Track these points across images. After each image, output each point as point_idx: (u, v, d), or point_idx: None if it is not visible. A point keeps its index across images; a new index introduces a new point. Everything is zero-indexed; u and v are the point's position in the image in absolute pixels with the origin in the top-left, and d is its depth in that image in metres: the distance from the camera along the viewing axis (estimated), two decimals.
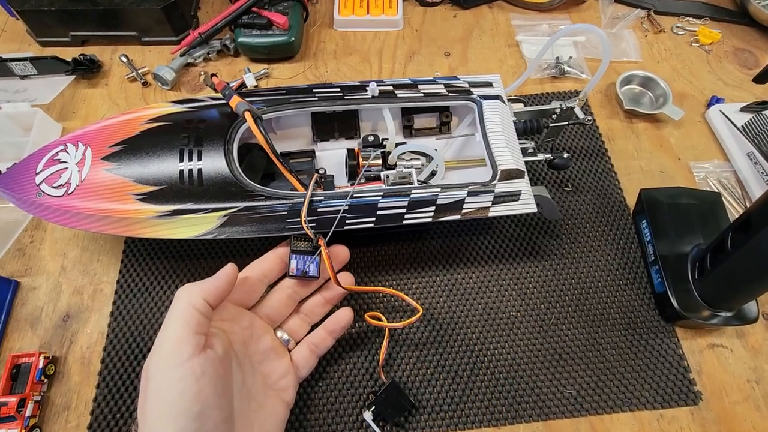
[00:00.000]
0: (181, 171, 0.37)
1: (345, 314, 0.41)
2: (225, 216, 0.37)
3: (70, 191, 0.37)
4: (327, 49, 0.63)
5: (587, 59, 0.61)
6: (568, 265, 0.47)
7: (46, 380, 0.41)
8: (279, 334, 0.39)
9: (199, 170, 0.37)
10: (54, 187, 0.37)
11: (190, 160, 0.38)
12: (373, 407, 0.39)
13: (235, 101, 0.38)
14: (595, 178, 0.52)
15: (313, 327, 0.41)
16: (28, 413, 0.39)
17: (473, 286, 0.46)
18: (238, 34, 0.58)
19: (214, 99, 0.42)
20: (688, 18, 0.65)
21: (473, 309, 0.45)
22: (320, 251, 0.36)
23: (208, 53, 0.60)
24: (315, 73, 0.61)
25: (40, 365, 0.41)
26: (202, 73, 0.60)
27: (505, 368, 0.42)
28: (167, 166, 0.37)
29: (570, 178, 0.52)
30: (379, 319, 0.41)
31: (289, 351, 0.39)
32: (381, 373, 0.41)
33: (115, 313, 0.45)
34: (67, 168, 0.38)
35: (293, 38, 0.59)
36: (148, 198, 0.37)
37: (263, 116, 0.40)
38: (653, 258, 0.46)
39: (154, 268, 0.47)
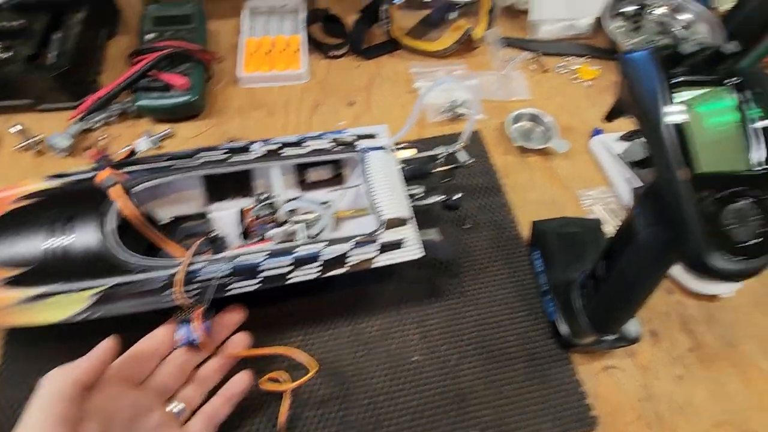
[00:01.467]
0: (49, 249, 0.36)
1: (242, 378, 0.40)
2: (96, 294, 0.36)
3: None
4: (232, 105, 0.64)
5: (484, 101, 0.65)
6: (468, 303, 0.49)
7: None
8: (171, 406, 0.37)
9: (66, 248, 0.36)
10: None
11: (60, 235, 0.37)
12: None
13: (102, 176, 0.38)
14: (491, 214, 0.55)
15: (210, 393, 0.40)
16: None
17: (376, 334, 0.46)
18: (138, 98, 0.58)
19: (92, 171, 0.41)
20: (569, 57, 0.71)
21: (377, 357, 0.45)
22: (197, 319, 0.36)
23: (109, 117, 0.60)
24: (220, 129, 0.61)
25: None
26: (103, 137, 0.59)
27: (410, 415, 0.42)
28: (34, 245, 0.36)
29: (468, 216, 0.55)
30: (278, 381, 0.41)
31: (185, 422, 0.37)
32: None
33: None
34: None
35: (196, 97, 0.59)
36: (14, 282, 0.35)
37: (142, 185, 0.40)
38: (546, 288, 0.48)
39: (38, 355, 0.43)
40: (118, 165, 0.40)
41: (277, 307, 0.47)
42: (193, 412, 0.38)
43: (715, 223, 0.30)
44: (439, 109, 0.63)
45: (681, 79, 0.32)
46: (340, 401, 0.43)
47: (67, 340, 0.44)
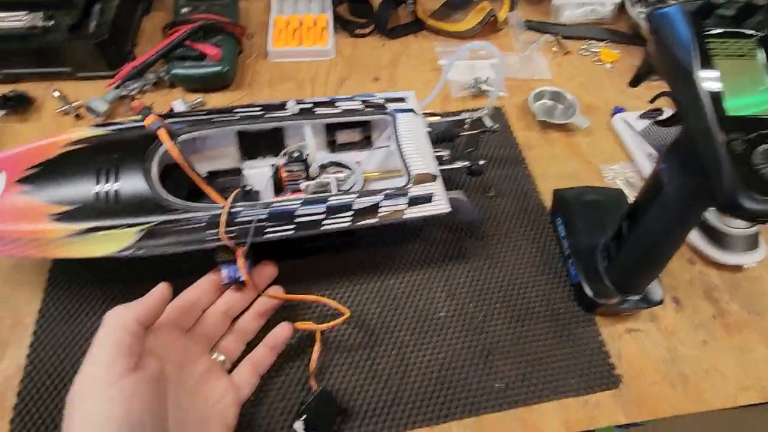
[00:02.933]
0: (98, 190, 0.38)
1: (283, 328, 0.41)
2: (142, 230, 0.37)
3: None
4: (261, 78, 0.66)
5: (506, 79, 0.67)
6: (494, 265, 0.50)
7: None
8: (214, 355, 0.38)
9: (116, 189, 0.38)
10: None
11: (107, 180, 0.38)
12: (304, 416, 0.39)
13: (149, 120, 0.40)
14: (515, 183, 0.56)
15: (248, 345, 0.41)
16: None
17: (404, 291, 0.47)
18: (172, 66, 0.60)
19: (135, 122, 0.43)
20: (591, 41, 0.72)
21: (404, 313, 0.46)
22: (240, 257, 0.37)
23: (144, 85, 0.62)
24: (250, 100, 0.63)
25: None
26: (134, 101, 0.61)
27: (437, 368, 0.43)
28: (84, 187, 0.38)
29: (492, 185, 0.56)
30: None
31: (229, 372, 0.39)
32: (313, 381, 0.41)
33: (35, 344, 0.43)
34: None
35: (226, 68, 0.61)
36: (63, 217, 0.37)
37: (184, 135, 0.41)
38: (569, 252, 0.49)
39: (78, 296, 0.46)
40: (165, 117, 0.42)
41: (306, 262, 0.48)
42: (233, 363, 0.39)
43: (745, 164, 0.30)
44: (463, 86, 0.65)
45: (712, 31, 0.33)
46: (368, 350, 0.44)
47: (104, 284, 0.46)
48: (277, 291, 0.42)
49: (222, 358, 0.39)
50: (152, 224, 0.37)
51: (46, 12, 0.60)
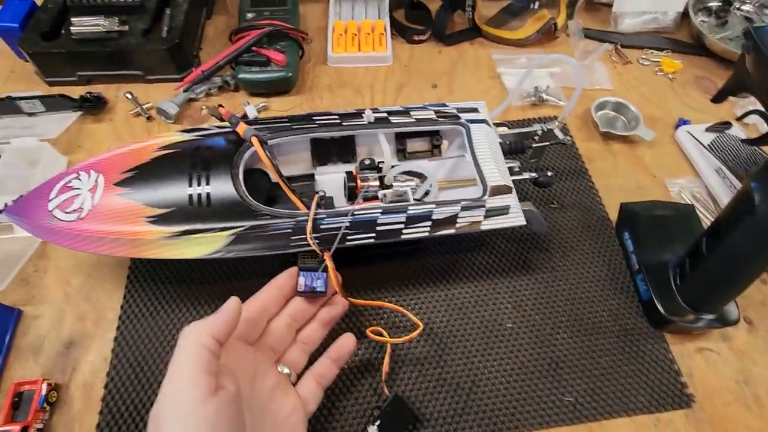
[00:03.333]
0: (191, 194, 0.39)
1: (348, 340, 0.40)
2: (233, 235, 0.38)
3: (82, 216, 0.39)
4: (321, 83, 0.67)
5: (563, 88, 0.66)
6: (559, 278, 0.50)
7: (48, 408, 0.41)
8: (280, 368, 0.38)
9: (208, 193, 0.39)
10: (66, 213, 0.39)
11: (199, 184, 0.40)
12: (378, 422, 0.40)
13: (242, 128, 0.41)
14: (578, 196, 0.56)
15: (312, 356, 0.40)
16: None
17: (470, 301, 0.48)
18: (239, 71, 0.62)
19: (219, 128, 0.45)
20: (651, 50, 0.71)
21: (471, 323, 0.47)
22: (326, 265, 0.38)
23: (210, 89, 0.64)
24: (311, 105, 0.64)
25: (43, 392, 0.40)
26: (204, 107, 0.63)
27: (505, 379, 0.44)
28: (177, 190, 0.40)
29: (555, 196, 0.56)
30: (381, 335, 0.43)
31: (294, 384, 0.38)
32: (384, 388, 0.42)
33: (119, 339, 0.45)
34: (79, 194, 0.39)
35: (291, 74, 0.63)
36: (159, 220, 0.39)
37: (269, 142, 0.43)
38: (637, 267, 0.48)
39: (158, 292, 0.47)
40: (249, 123, 0.43)
41: (371, 269, 0.49)
42: (298, 375, 0.39)
43: None
44: (522, 94, 0.64)
45: None
46: (437, 359, 0.44)
47: (180, 283, 0.48)
48: (342, 303, 0.41)
49: (287, 370, 0.38)
50: (242, 229, 0.39)
51: (120, 16, 0.63)
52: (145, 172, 0.40)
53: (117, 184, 0.40)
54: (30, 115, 0.60)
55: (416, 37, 0.71)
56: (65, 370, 0.43)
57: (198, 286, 0.48)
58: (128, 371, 0.43)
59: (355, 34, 0.70)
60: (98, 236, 0.38)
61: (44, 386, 0.41)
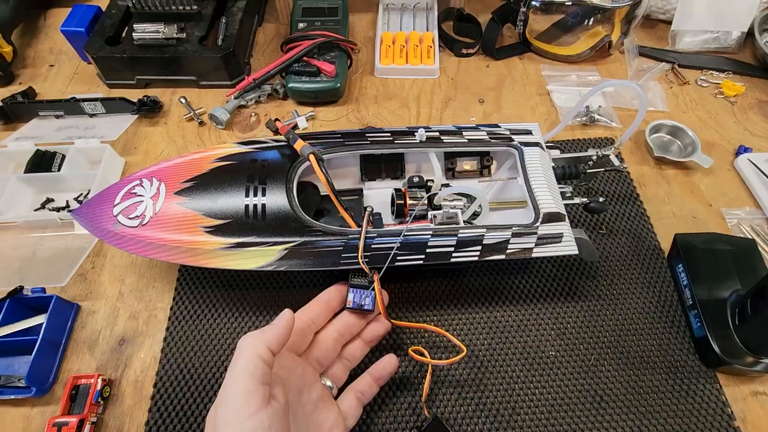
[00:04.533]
0: (246, 206, 0.40)
1: (390, 360, 0.41)
2: (285, 249, 0.39)
3: (144, 222, 0.40)
4: (368, 94, 0.67)
5: (615, 108, 0.64)
6: (606, 307, 0.48)
7: (102, 402, 0.43)
8: (323, 381, 0.38)
9: (263, 206, 0.40)
10: (130, 218, 0.41)
11: (255, 195, 0.41)
12: None
13: (299, 145, 0.42)
14: (628, 222, 0.54)
15: (353, 372, 0.41)
16: None
17: (512, 325, 0.47)
18: (289, 80, 0.63)
19: (274, 141, 0.45)
20: (711, 71, 0.68)
21: (513, 348, 0.46)
22: (377, 281, 0.38)
23: (260, 96, 0.65)
24: (357, 116, 0.65)
25: (98, 387, 0.42)
26: (253, 114, 0.65)
27: (546, 408, 0.43)
28: (234, 201, 0.41)
29: (604, 222, 0.54)
30: (422, 355, 0.43)
31: (335, 398, 0.38)
32: (425, 409, 0.42)
33: (168, 339, 0.47)
34: (142, 201, 0.41)
35: (339, 84, 0.63)
36: (216, 231, 0.40)
37: (323, 158, 0.43)
38: (691, 302, 0.47)
39: (206, 296, 0.49)
40: (304, 137, 0.44)
41: (413, 286, 0.49)
42: (338, 390, 0.39)
43: None
44: (572, 116, 0.63)
45: None
46: (477, 383, 0.44)
47: (228, 288, 0.49)
48: (385, 325, 0.42)
49: (330, 383, 0.39)
50: (293, 244, 0.39)
51: (178, 24, 0.65)
52: (204, 183, 0.42)
53: (177, 192, 0.41)
54: (91, 116, 0.63)
55: (464, 50, 0.71)
56: (118, 366, 0.45)
57: (245, 291, 0.49)
58: (176, 372, 0.45)
59: (403, 46, 0.70)
60: (159, 243, 0.40)
61: (99, 381, 0.43)
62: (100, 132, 0.60)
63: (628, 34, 0.69)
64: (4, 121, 0.62)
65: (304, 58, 0.63)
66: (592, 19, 0.69)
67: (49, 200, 0.56)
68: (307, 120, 0.63)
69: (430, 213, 0.43)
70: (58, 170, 0.55)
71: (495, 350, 0.46)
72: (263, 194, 0.41)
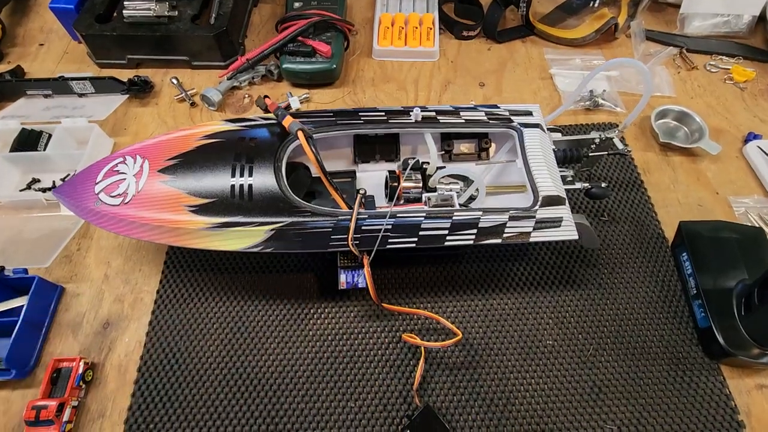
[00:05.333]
0: (233, 185, 0.39)
1: None
2: (272, 230, 0.38)
3: (126, 201, 0.39)
4: (365, 76, 0.65)
5: (620, 93, 0.62)
6: (606, 296, 0.47)
7: (83, 386, 0.42)
8: None
9: (250, 185, 0.39)
10: (111, 197, 0.39)
11: (242, 175, 0.39)
12: (408, 431, 0.38)
13: (288, 121, 0.40)
14: (631, 209, 0.52)
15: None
16: (65, 418, 0.39)
17: (509, 313, 0.46)
18: (284, 61, 0.61)
19: (263, 119, 0.44)
20: (720, 56, 0.66)
21: (509, 336, 0.44)
22: (366, 265, 0.37)
23: (253, 78, 0.64)
24: (353, 98, 0.63)
25: (80, 371, 0.41)
26: (246, 95, 0.63)
27: (542, 398, 0.41)
28: (219, 180, 0.39)
29: (606, 208, 0.52)
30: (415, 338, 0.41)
31: None
32: (416, 397, 0.40)
33: (153, 323, 0.45)
34: (125, 179, 0.40)
35: (335, 66, 0.61)
36: (200, 210, 0.38)
37: (313, 136, 0.41)
38: (695, 292, 0.45)
39: (193, 280, 0.48)
40: (294, 115, 0.42)
41: (407, 271, 0.48)
42: None
43: None
44: (575, 98, 0.61)
45: None
46: (471, 371, 0.42)
47: (216, 272, 0.48)
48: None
49: None
50: (281, 225, 0.38)
51: (170, 2, 0.63)
52: (189, 161, 0.40)
53: (161, 171, 0.40)
54: (80, 95, 0.61)
55: (465, 33, 0.69)
56: (101, 350, 0.44)
57: (233, 275, 0.48)
58: (161, 356, 0.43)
59: (402, 27, 0.68)
60: (141, 222, 0.38)
61: (81, 365, 0.41)
62: (89, 112, 0.59)
63: (635, 17, 0.67)
64: None
65: (300, 38, 0.61)
66: (597, 1, 0.67)
67: (35, 180, 0.54)
68: (300, 102, 0.61)
69: (425, 195, 0.42)
70: (44, 149, 0.54)
71: (491, 338, 0.44)
72: (250, 173, 0.39)
